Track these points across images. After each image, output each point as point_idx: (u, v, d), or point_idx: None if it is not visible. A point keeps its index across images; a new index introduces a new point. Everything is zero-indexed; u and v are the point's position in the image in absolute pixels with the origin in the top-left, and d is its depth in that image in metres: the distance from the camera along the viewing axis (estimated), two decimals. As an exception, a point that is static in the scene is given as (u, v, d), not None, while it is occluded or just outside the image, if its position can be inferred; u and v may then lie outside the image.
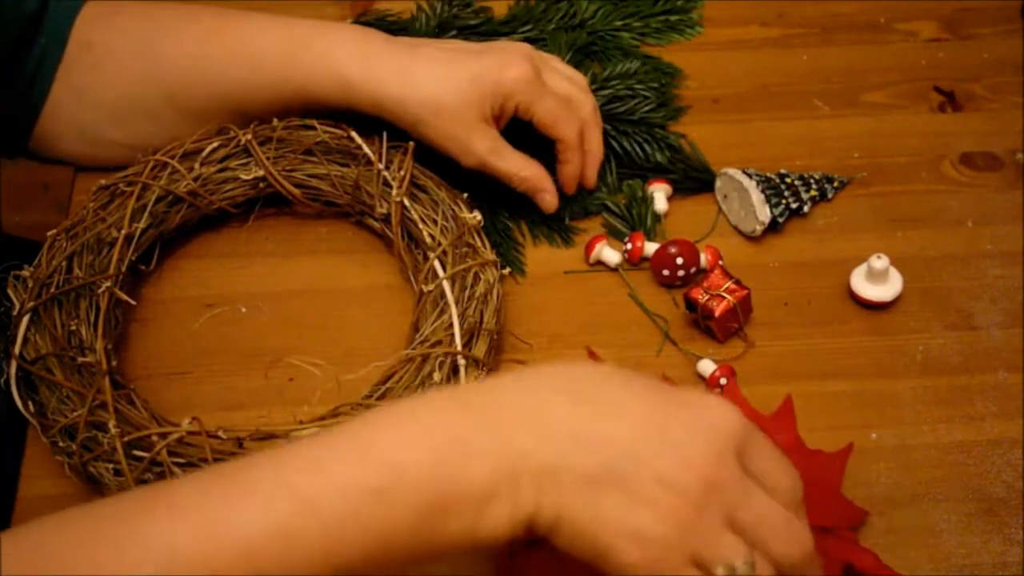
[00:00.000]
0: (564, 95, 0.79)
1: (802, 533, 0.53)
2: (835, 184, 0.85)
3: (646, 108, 0.88)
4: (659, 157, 0.86)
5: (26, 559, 0.49)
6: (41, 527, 0.50)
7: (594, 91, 0.85)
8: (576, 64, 0.89)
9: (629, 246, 0.80)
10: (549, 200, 0.80)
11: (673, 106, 0.90)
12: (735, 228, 0.83)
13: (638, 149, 0.86)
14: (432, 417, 0.52)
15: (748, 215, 0.81)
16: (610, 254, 0.81)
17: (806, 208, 0.83)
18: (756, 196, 0.80)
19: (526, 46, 0.80)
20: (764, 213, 0.80)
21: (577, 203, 0.83)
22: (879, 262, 0.77)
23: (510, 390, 0.53)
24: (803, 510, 0.55)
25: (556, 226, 0.83)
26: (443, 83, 0.76)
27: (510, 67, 0.77)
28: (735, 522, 0.52)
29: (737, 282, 0.75)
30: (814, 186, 0.84)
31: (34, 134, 0.82)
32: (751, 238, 0.82)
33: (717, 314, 0.74)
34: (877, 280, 0.78)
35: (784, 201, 0.82)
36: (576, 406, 0.52)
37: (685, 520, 0.50)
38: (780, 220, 0.81)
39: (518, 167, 0.78)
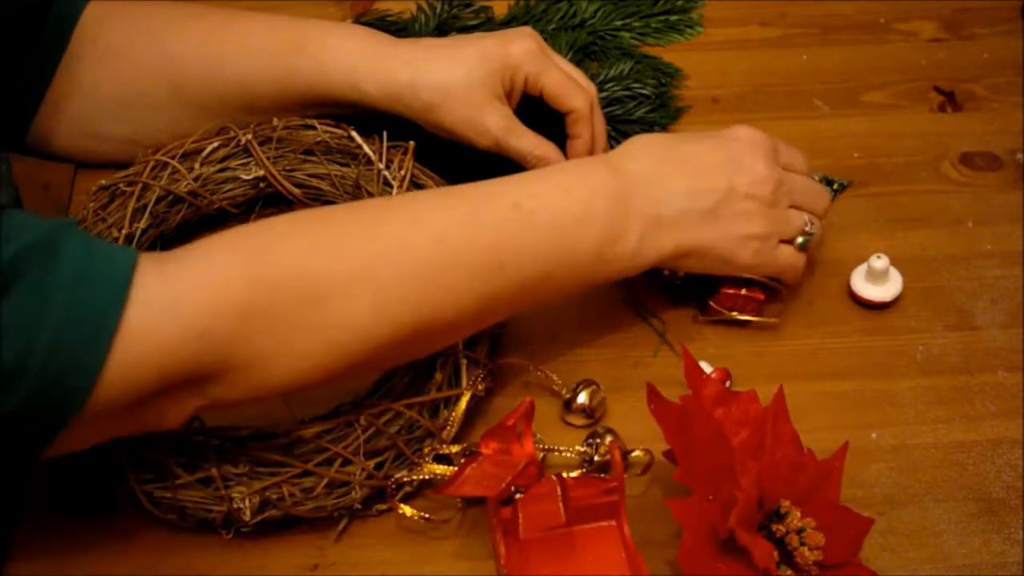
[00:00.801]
0: (568, 72, 0.80)
1: (821, 189, 0.78)
2: (835, 187, 0.85)
3: (644, 109, 0.88)
4: None
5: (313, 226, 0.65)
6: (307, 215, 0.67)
7: None
8: (576, 63, 0.89)
9: (629, 246, 0.80)
10: None
11: (673, 106, 0.90)
12: None
13: None
14: (592, 178, 0.70)
15: None
16: (610, 254, 0.81)
17: None
18: None
19: (528, 28, 0.81)
20: None
21: None
22: (879, 262, 0.77)
23: (637, 166, 0.71)
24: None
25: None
26: (452, 65, 0.77)
27: (515, 42, 0.78)
28: (793, 202, 0.74)
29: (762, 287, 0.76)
30: None
31: (32, 129, 0.81)
32: None
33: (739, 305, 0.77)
34: (877, 280, 0.78)
35: None
36: (680, 167, 0.71)
37: (771, 216, 0.73)
38: None
39: (533, 145, 0.78)
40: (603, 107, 0.87)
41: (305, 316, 0.61)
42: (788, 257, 0.74)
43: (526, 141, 0.78)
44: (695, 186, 0.71)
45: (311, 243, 0.63)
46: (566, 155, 0.79)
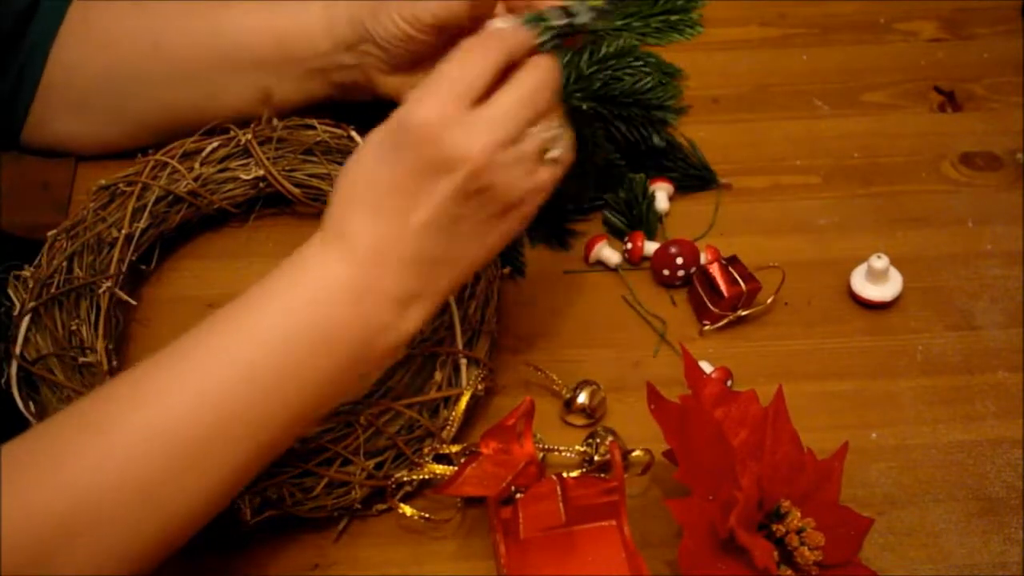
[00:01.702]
0: None
1: (534, 78, 0.62)
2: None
3: (645, 86, 0.87)
4: (656, 140, 0.85)
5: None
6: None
7: (590, 73, 0.84)
8: (576, 63, 0.89)
9: (629, 245, 0.80)
10: None
11: (673, 106, 0.90)
12: None
13: (636, 132, 0.85)
14: (326, 294, 0.61)
15: None
16: (610, 254, 0.81)
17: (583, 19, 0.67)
18: None
19: None
20: None
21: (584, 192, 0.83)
22: (879, 262, 0.77)
23: (362, 238, 0.61)
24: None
25: (554, 228, 0.83)
26: None
27: None
28: (515, 131, 0.60)
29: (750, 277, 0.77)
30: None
31: (27, 121, 0.82)
32: None
33: (726, 294, 0.76)
34: (877, 280, 0.78)
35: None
36: (396, 217, 0.60)
37: (506, 186, 0.60)
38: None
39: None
40: (603, 85, 0.86)
41: (48, 567, 0.53)
42: (550, 177, 0.63)
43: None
44: (419, 231, 0.60)
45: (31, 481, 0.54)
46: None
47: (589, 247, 0.81)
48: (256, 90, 0.81)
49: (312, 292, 0.60)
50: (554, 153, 0.62)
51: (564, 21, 0.64)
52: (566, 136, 0.64)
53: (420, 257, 0.61)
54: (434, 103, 0.59)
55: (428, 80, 0.60)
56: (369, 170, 0.61)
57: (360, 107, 0.83)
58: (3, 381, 0.70)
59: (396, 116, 0.60)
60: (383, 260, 0.60)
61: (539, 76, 0.62)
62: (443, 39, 0.73)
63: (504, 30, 0.62)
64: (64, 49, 0.80)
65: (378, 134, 0.61)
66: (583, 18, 0.64)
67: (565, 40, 0.65)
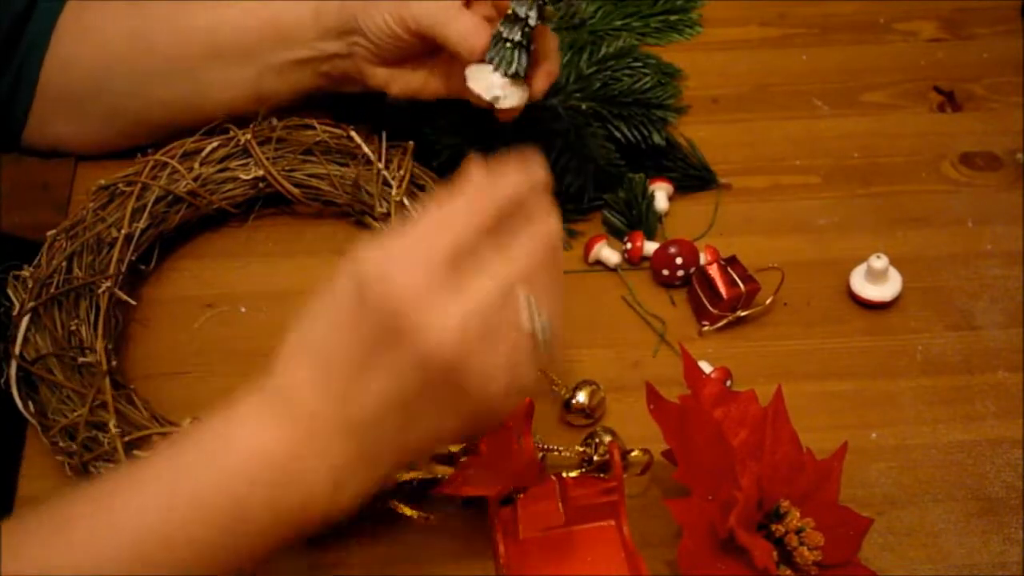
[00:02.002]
0: None
1: (526, 247, 0.55)
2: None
3: (645, 86, 0.87)
4: (656, 139, 0.85)
5: None
6: None
7: (590, 73, 0.84)
8: (575, 63, 0.89)
9: (629, 245, 0.80)
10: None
11: (673, 106, 0.90)
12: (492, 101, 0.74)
13: (636, 132, 0.85)
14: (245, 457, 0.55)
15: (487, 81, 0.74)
16: (609, 254, 0.81)
17: (531, 22, 0.71)
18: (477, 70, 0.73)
19: None
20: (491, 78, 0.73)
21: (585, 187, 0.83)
22: (879, 262, 0.77)
23: (310, 399, 0.55)
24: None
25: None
26: None
27: None
28: (493, 297, 0.53)
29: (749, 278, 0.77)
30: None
31: (28, 123, 0.82)
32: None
33: (725, 296, 0.76)
34: (877, 280, 0.78)
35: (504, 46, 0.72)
36: (350, 386, 0.54)
37: (477, 361, 0.53)
38: (511, 68, 0.72)
39: (466, 31, 0.71)
40: (603, 85, 0.86)
41: None
42: (532, 367, 0.55)
43: (458, 25, 0.71)
44: (368, 405, 0.54)
45: None
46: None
47: (588, 247, 0.81)
48: (248, 83, 0.80)
49: (239, 462, 0.54)
50: (541, 332, 0.54)
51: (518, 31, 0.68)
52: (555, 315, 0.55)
53: (365, 433, 0.54)
54: (405, 271, 0.51)
55: (402, 236, 0.53)
56: (324, 327, 0.54)
57: (360, 107, 0.84)
58: (2, 381, 0.70)
59: (362, 269, 0.52)
60: (323, 429, 0.54)
61: (534, 246, 0.54)
62: (432, 41, 0.74)
63: (500, 183, 0.55)
64: (59, 48, 0.80)
65: (341, 284, 0.54)
66: (532, 20, 0.69)
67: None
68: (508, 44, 0.71)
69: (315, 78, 0.81)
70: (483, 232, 0.53)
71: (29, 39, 0.79)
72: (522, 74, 0.72)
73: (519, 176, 0.56)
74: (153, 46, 0.80)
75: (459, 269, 0.52)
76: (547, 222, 0.56)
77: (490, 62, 0.72)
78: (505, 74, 0.72)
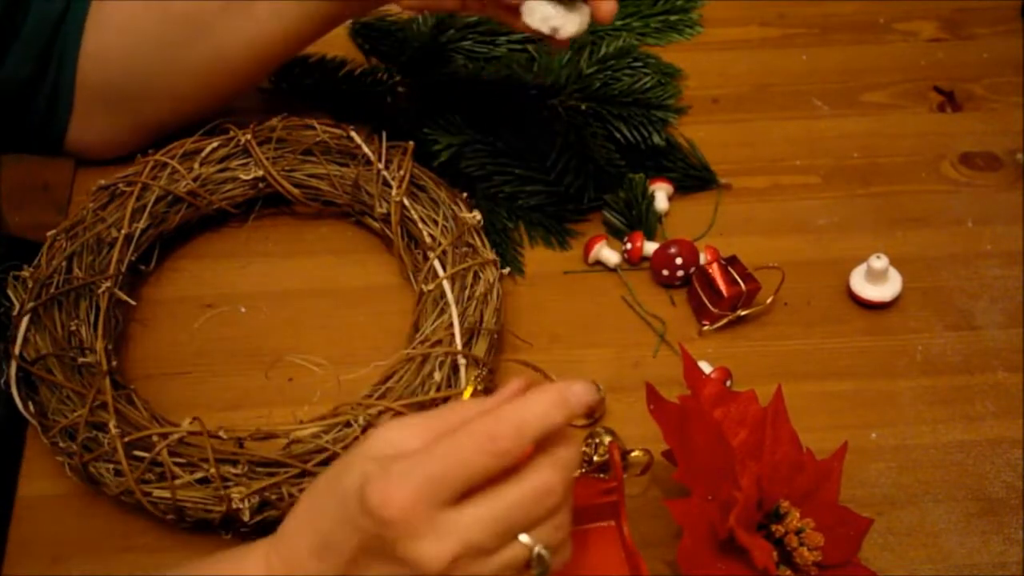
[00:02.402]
0: None
1: (540, 485, 0.52)
2: None
3: (645, 86, 0.87)
4: (656, 139, 0.85)
5: None
6: None
7: (590, 73, 0.84)
8: (575, 63, 0.89)
9: (629, 246, 0.80)
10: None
11: (673, 106, 0.90)
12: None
13: (636, 132, 0.85)
14: None
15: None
16: (609, 254, 0.81)
17: None
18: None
19: None
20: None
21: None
22: (879, 262, 0.77)
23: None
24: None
25: (554, 228, 0.83)
26: None
27: None
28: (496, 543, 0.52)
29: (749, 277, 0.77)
30: None
31: (71, 125, 0.81)
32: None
33: (726, 294, 0.76)
34: (877, 280, 0.78)
35: None
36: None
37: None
38: None
39: None
40: (603, 85, 0.86)
41: None
42: None
43: None
44: None
45: None
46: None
47: (588, 247, 0.81)
48: (267, 25, 0.78)
49: None
50: (539, 566, 0.52)
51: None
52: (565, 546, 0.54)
53: None
54: (404, 493, 0.50)
55: (418, 455, 0.51)
56: (329, 510, 0.54)
57: (360, 107, 0.84)
58: (2, 381, 0.70)
59: (371, 472, 0.51)
60: None
61: (543, 479, 0.52)
62: None
63: (536, 410, 0.51)
64: (88, 44, 0.80)
65: (351, 477, 0.52)
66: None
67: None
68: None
69: (337, 4, 0.78)
70: (500, 463, 0.51)
71: (60, 43, 0.79)
72: None
73: (557, 409, 0.52)
74: (170, 12, 0.79)
75: (465, 495, 0.51)
76: (568, 449, 0.53)
77: None
78: (560, 1, 0.69)
